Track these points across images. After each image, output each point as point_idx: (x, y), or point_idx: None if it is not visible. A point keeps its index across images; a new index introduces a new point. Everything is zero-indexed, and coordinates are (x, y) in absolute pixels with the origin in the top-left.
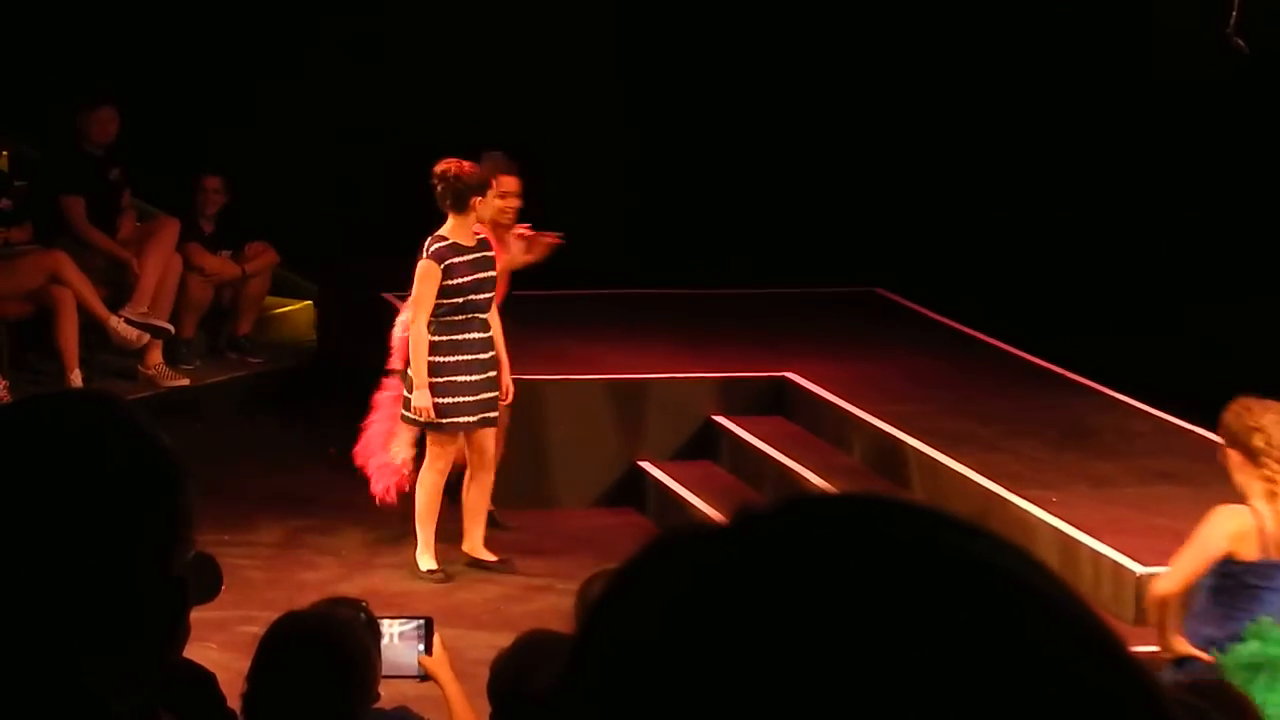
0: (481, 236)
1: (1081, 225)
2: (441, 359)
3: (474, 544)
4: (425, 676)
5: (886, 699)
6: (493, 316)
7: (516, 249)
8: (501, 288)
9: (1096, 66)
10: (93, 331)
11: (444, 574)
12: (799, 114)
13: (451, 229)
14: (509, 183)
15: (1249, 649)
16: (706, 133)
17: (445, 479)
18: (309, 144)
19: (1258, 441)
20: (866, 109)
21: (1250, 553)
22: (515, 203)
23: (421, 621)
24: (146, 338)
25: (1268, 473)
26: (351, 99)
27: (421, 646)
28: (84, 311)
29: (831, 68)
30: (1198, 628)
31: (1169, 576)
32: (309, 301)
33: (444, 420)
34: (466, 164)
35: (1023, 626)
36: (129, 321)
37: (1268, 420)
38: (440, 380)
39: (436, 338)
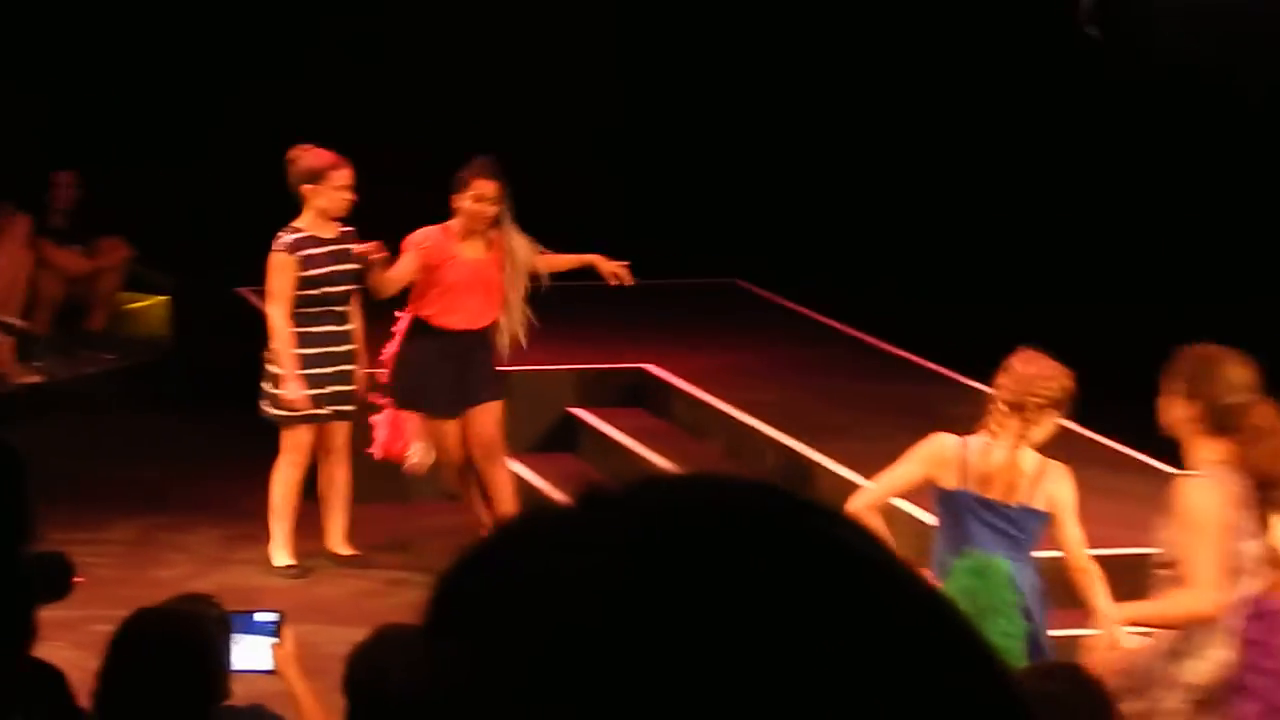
0: (347, 229)
1: (939, 216)
2: (295, 351)
3: (333, 538)
4: (273, 670)
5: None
6: (353, 309)
7: (524, 250)
8: (513, 288)
9: (949, 51)
10: None
11: (300, 569)
12: (658, 105)
13: (307, 220)
14: (482, 186)
15: (955, 582)
16: (567, 125)
17: (301, 472)
18: (163, 137)
19: (999, 382)
20: (723, 100)
21: (949, 481)
22: (490, 208)
23: (274, 616)
24: None
25: (994, 414)
26: (204, 90)
27: (274, 641)
28: None
29: (691, 59)
30: (934, 546)
31: (861, 493)
32: (164, 297)
33: (296, 413)
34: (311, 150)
35: (859, 600)
36: None
37: (1014, 363)
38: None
39: (292, 329)
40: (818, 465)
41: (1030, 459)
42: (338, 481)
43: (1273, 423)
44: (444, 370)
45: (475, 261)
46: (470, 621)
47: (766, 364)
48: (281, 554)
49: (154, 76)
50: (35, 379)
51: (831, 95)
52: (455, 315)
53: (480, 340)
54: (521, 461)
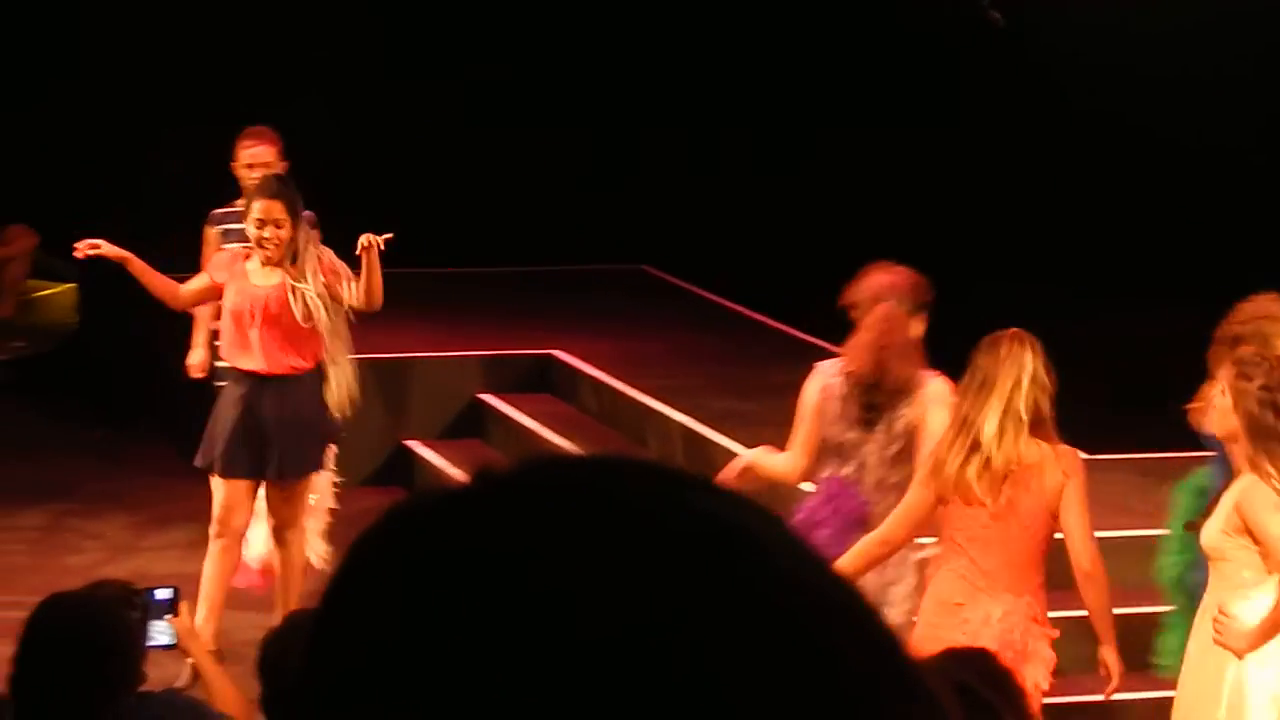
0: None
1: (850, 199)
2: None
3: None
4: (173, 646)
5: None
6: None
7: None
8: (332, 336)
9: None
10: None
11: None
12: (565, 91)
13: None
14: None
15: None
16: (471, 109)
17: None
18: (68, 124)
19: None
20: (630, 86)
21: None
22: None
23: (169, 592)
24: None
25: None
26: (111, 75)
27: (169, 617)
28: None
29: (595, 43)
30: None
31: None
32: (71, 285)
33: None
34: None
35: (757, 581)
36: None
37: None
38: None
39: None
40: (724, 450)
41: None
42: None
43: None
44: (230, 420)
45: (267, 289)
46: (350, 615)
47: (673, 350)
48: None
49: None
50: None
51: (735, 74)
52: (242, 353)
53: (284, 393)
54: (429, 447)
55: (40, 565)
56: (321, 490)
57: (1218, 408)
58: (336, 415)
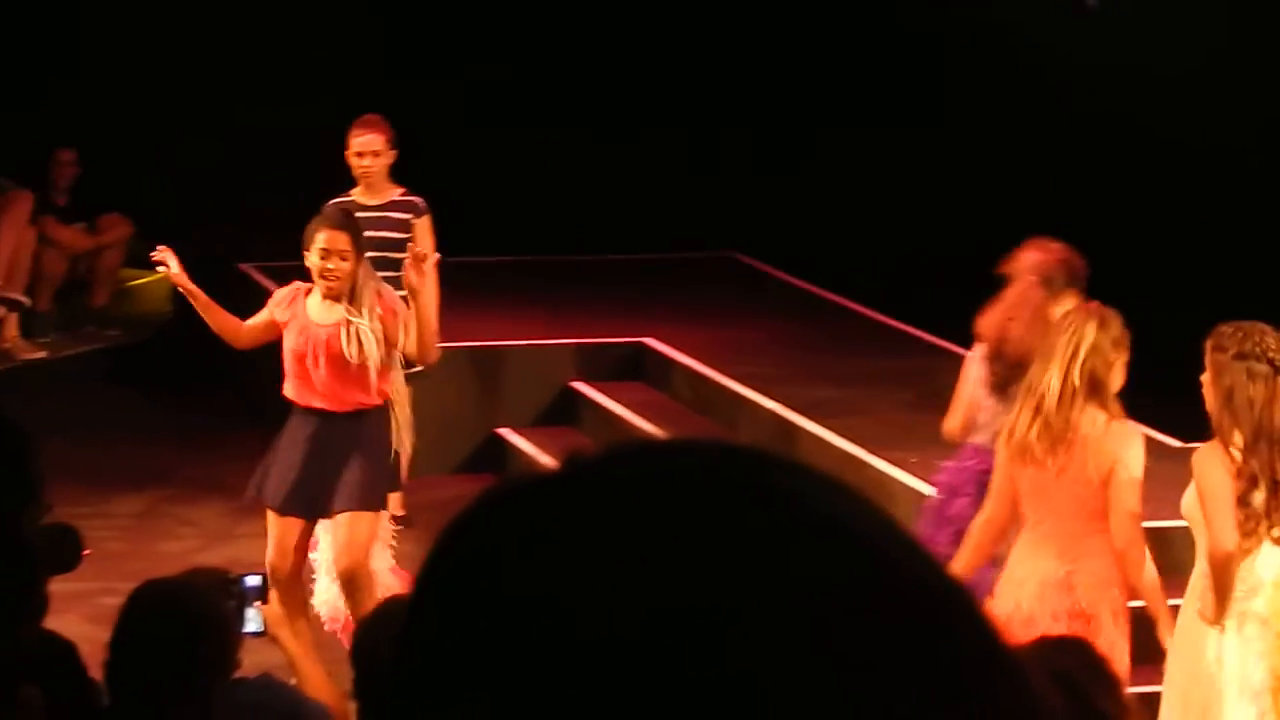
0: (401, 198)
1: (938, 185)
2: None
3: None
4: (263, 633)
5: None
6: (409, 274)
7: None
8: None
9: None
10: None
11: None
12: (655, 77)
13: (359, 187)
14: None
15: None
16: (564, 97)
17: None
18: (164, 114)
19: None
20: (721, 73)
21: None
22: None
23: (259, 579)
24: (1, 311)
25: None
26: (210, 66)
27: (260, 602)
28: None
29: (686, 29)
30: None
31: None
32: (166, 273)
33: None
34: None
35: (853, 567)
36: None
37: None
38: None
39: None
40: (816, 439)
41: None
42: None
43: None
44: (291, 457)
45: (327, 328)
46: (449, 600)
47: (765, 337)
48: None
49: (169, 54)
50: (39, 355)
51: (830, 59)
52: (305, 391)
53: (350, 431)
54: (522, 435)
55: (136, 551)
56: (382, 532)
57: (1205, 382)
58: (400, 452)
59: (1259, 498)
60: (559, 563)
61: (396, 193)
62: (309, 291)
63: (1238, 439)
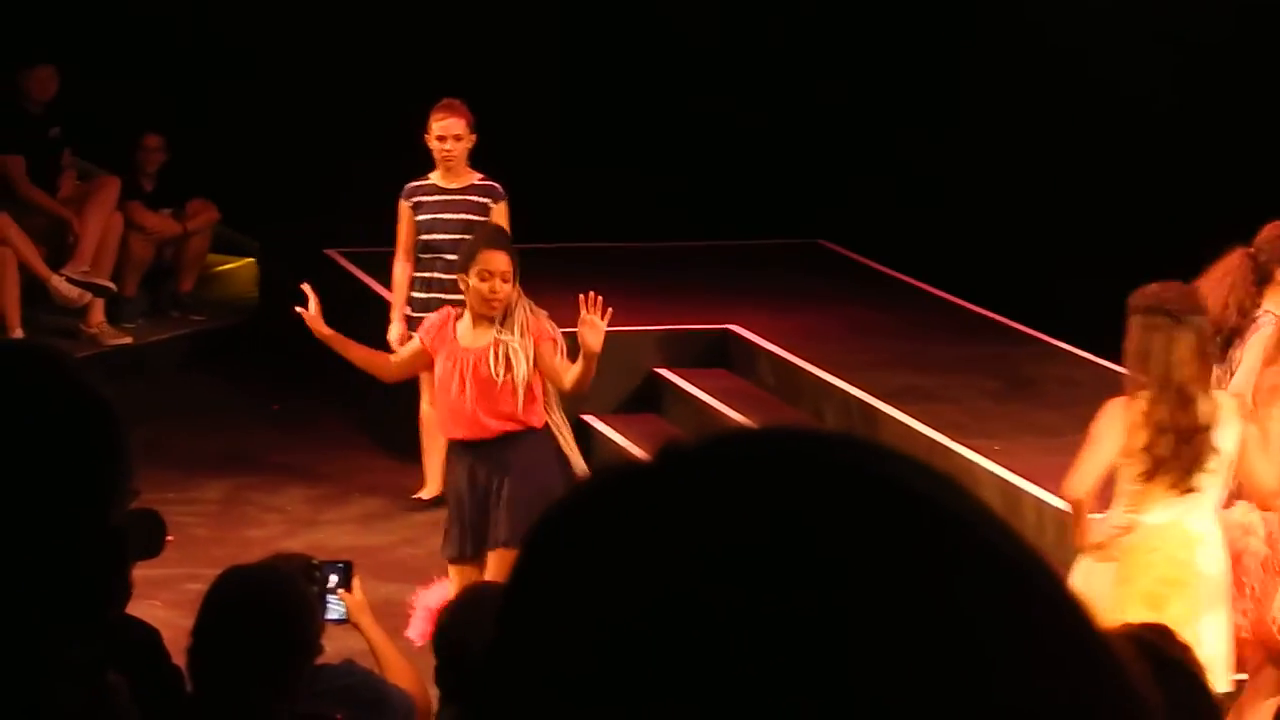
0: (481, 182)
1: (1021, 175)
2: (408, 294)
3: (434, 483)
4: (346, 620)
5: (817, 628)
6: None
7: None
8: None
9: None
10: (34, 291)
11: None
12: (742, 64)
13: (438, 170)
14: (491, 259)
15: None
16: (647, 83)
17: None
18: (251, 101)
19: None
20: (810, 60)
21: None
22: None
23: (343, 565)
24: (88, 296)
25: None
26: (293, 56)
27: (343, 590)
28: (25, 271)
29: (771, 17)
30: None
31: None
32: (251, 259)
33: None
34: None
35: (955, 554)
36: (70, 280)
37: None
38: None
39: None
40: (904, 427)
41: None
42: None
43: None
44: (459, 498)
45: (476, 350)
46: (550, 592)
47: (849, 324)
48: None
49: (255, 39)
50: (126, 340)
51: (911, 44)
52: (455, 423)
53: (505, 455)
54: (606, 422)
55: (221, 537)
56: None
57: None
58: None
59: (1163, 446)
60: (662, 554)
61: (475, 177)
62: (459, 316)
63: (1147, 392)
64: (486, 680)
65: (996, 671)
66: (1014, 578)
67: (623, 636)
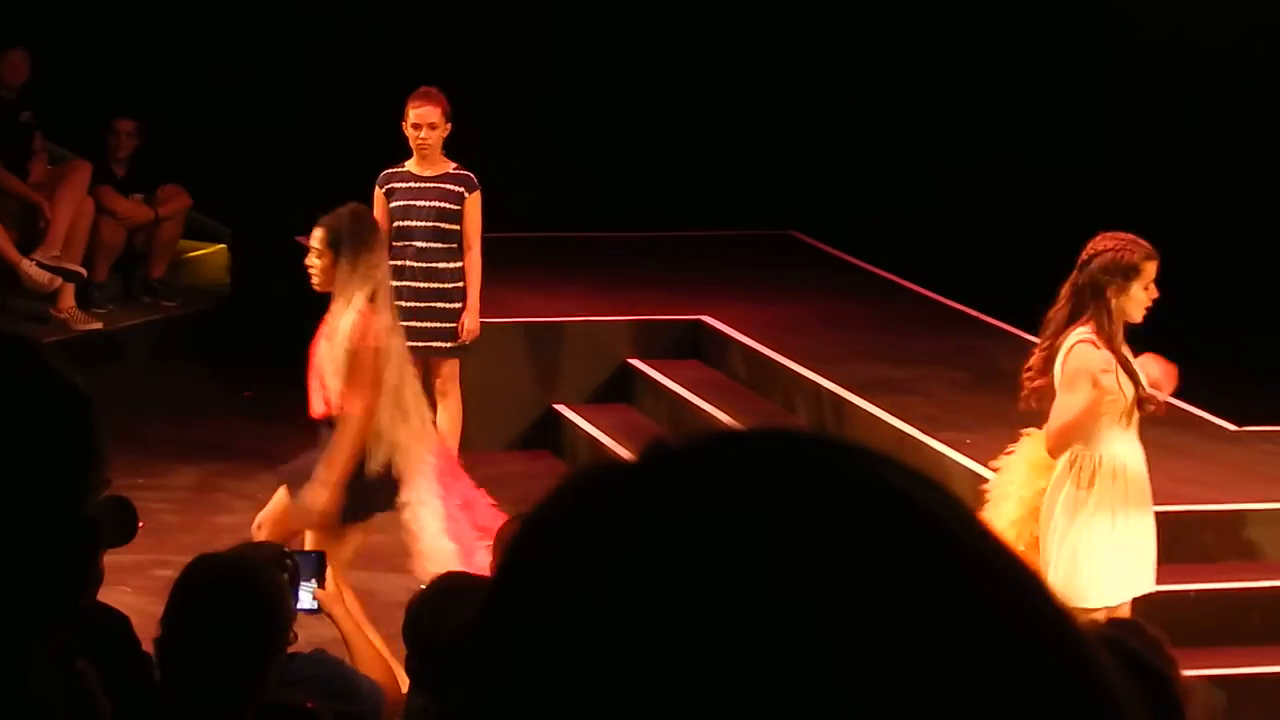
0: (457, 171)
1: (996, 168)
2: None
3: None
4: (318, 610)
5: (804, 634)
6: (461, 248)
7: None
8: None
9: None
10: (4, 275)
11: None
12: (712, 55)
13: (414, 158)
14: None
15: None
16: (621, 74)
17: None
18: (222, 86)
19: None
20: (779, 50)
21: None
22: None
23: (315, 555)
24: (59, 281)
25: None
26: (267, 41)
27: (314, 582)
28: None
29: (745, 8)
30: None
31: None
32: (223, 245)
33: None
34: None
35: (937, 558)
36: (41, 265)
37: None
38: None
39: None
40: (872, 418)
41: None
42: (439, 421)
43: None
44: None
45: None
46: (532, 592)
47: (822, 317)
48: None
49: (224, 29)
50: (96, 326)
51: (890, 34)
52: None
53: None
54: (577, 411)
55: (191, 525)
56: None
57: None
58: None
59: (1118, 379)
60: (647, 552)
61: (450, 166)
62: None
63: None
64: (467, 674)
65: (971, 668)
66: (992, 577)
67: (605, 633)
